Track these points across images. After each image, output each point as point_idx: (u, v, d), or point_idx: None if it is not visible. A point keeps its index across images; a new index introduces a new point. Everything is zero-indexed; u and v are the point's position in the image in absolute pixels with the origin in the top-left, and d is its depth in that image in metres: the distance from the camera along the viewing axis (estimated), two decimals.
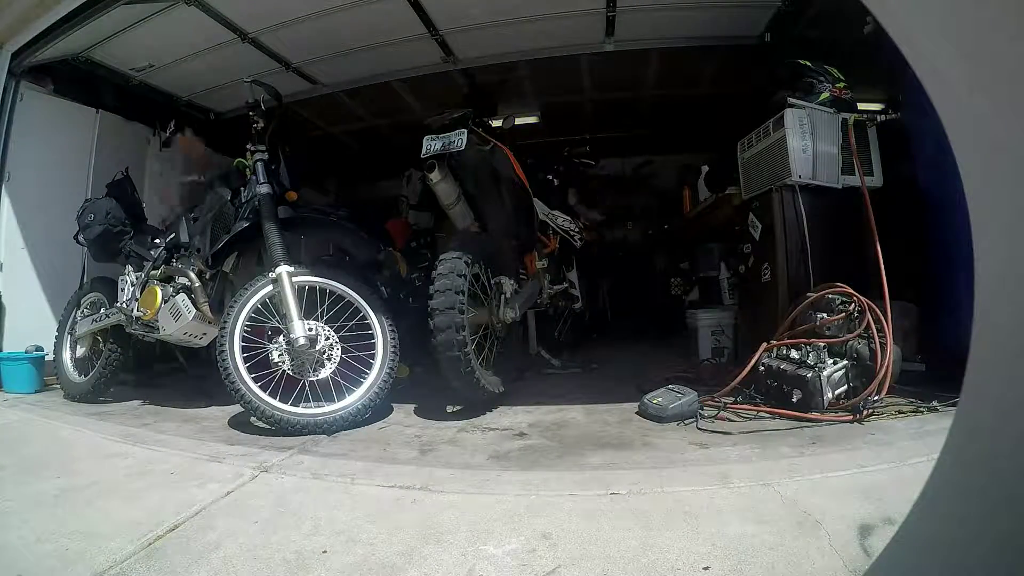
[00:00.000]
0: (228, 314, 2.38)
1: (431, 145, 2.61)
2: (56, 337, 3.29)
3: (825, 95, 2.88)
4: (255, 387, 2.26)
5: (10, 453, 2.10)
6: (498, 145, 2.92)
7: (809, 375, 2.16)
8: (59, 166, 3.74)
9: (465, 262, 2.40)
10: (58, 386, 3.23)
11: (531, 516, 1.37)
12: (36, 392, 3.26)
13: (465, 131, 2.57)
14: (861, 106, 3.03)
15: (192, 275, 2.66)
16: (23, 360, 3.27)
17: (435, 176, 2.74)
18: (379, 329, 2.48)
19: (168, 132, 3.23)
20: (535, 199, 3.30)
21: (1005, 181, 0.56)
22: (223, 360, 2.27)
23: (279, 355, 2.36)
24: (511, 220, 2.99)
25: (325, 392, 2.36)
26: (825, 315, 2.40)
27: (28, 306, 3.58)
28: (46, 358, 3.33)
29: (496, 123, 3.39)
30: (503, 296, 2.73)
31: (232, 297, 2.54)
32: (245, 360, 2.31)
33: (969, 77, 0.58)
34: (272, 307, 2.44)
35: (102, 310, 3.13)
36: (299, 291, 2.41)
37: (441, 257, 2.44)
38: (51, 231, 3.56)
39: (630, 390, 2.68)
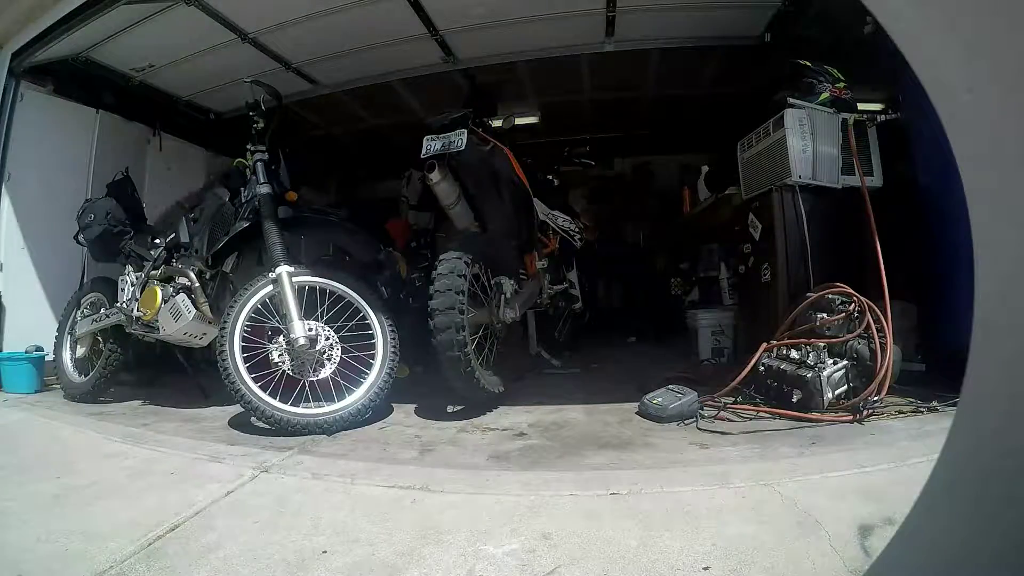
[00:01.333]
0: (228, 314, 2.38)
1: (431, 145, 2.61)
2: (56, 337, 3.29)
3: (825, 95, 2.88)
4: (255, 387, 2.25)
5: (10, 453, 2.10)
6: (498, 145, 2.91)
7: (809, 375, 2.16)
8: (59, 166, 3.73)
9: (465, 262, 2.40)
10: (58, 386, 3.23)
11: (531, 516, 1.37)
12: (36, 392, 3.26)
13: (465, 131, 2.57)
14: (861, 106, 3.03)
15: (192, 275, 2.66)
16: (23, 360, 3.27)
17: (435, 176, 2.73)
18: (379, 329, 2.48)
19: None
20: (535, 199, 3.30)
21: (1005, 180, 0.56)
22: (223, 360, 2.27)
23: (279, 355, 2.35)
24: (511, 220, 2.99)
25: (325, 392, 2.36)
26: (825, 315, 2.40)
27: (28, 306, 3.58)
28: (46, 358, 3.33)
29: (496, 123, 3.39)
30: (503, 296, 2.73)
31: (232, 297, 2.54)
32: (245, 360, 2.31)
33: (969, 76, 0.58)
34: (272, 307, 2.44)
35: (102, 310, 3.13)
36: (299, 291, 2.41)
37: (441, 257, 2.44)
38: (51, 231, 3.55)
39: (630, 390, 2.68)
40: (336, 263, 3.04)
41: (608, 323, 5.28)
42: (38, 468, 1.89)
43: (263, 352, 2.38)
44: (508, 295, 2.75)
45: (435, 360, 2.35)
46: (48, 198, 3.64)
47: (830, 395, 2.14)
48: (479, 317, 2.64)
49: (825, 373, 2.15)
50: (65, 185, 3.73)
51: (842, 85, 2.93)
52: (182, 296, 2.64)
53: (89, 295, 3.29)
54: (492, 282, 2.73)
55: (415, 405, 2.67)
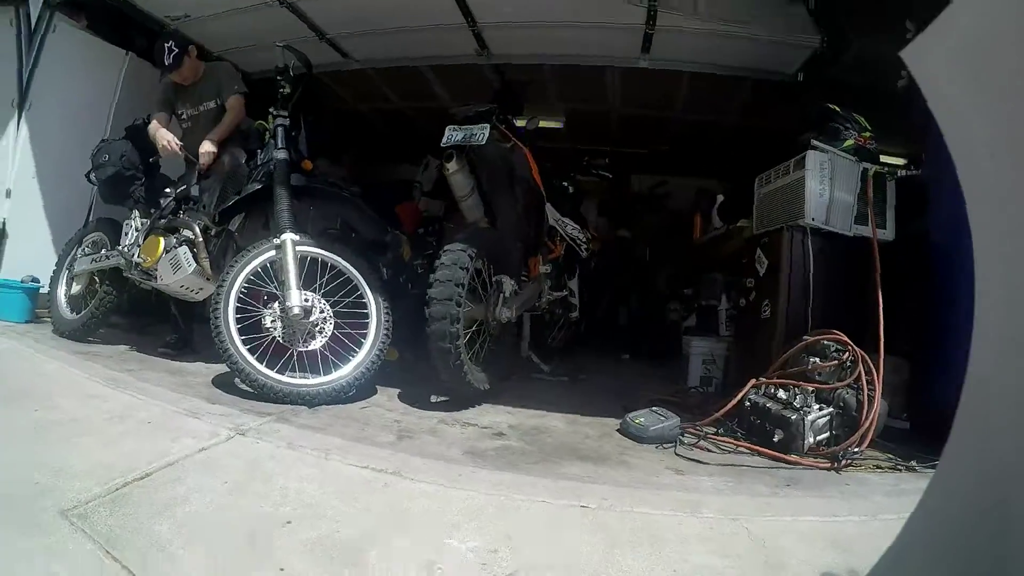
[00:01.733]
0: (227, 273, 2.38)
1: (452, 135, 2.61)
2: (54, 271, 3.29)
3: (849, 142, 2.88)
4: (243, 349, 2.25)
5: None
6: (518, 145, 2.91)
7: (793, 417, 2.16)
8: (81, 103, 3.73)
9: (469, 255, 2.40)
10: (49, 320, 3.23)
11: (499, 516, 1.37)
12: (26, 323, 3.26)
13: (488, 126, 2.57)
14: (883, 158, 3.04)
15: (196, 229, 2.66)
16: (17, 289, 3.27)
17: (452, 166, 2.74)
18: (374, 309, 2.48)
19: (169, 61, 2.97)
20: (548, 204, 3.30)
21: (1017, 249, 0.56)
22: (215, 317, 2.27)
23: (272, 321, 2.35)
24: (521, 221, 2.99)
25: (313, 364, 2.36)
26: (818, 360, 2.40)
27: (31, 236, 3.57)
28: (41, 290, 3.33)
29: (520, 122, 3.39)
30: (502, 295, 2.73)
31: (234, 257, 2.54)
32: (238, 321, 2.31)
33: (993, 143, 0.59)
34: (272, 272, 2.44)
35: (103, 251, 3.13)
36: (301, 260, 2.41)
37: (446, 247, 2.44)
38: (64, 165, 3.55)
39: (614, 406, 2.67)
40: (341, 238, 3.03)
41: (603, 336, 5.28)
42: (17, 399, 1.89)
43: (257, 316, 2.38)
44: (507, 294, 2.74)
45: (426, 348, 2.36)
46: (65, 132, 3.63)
47: (811, 440, 2.14)
48: (475, 312, 2.64)
49: (809, 417, 2.15)
50: (84, 122, 3.72)
51: (868, 135, 2.93)
52: (184, 248, 2.64)
53: (92, 234, 3.29)
54: (493, 279, 2.73)
55: (399, 390, 2.67)
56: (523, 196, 2.95)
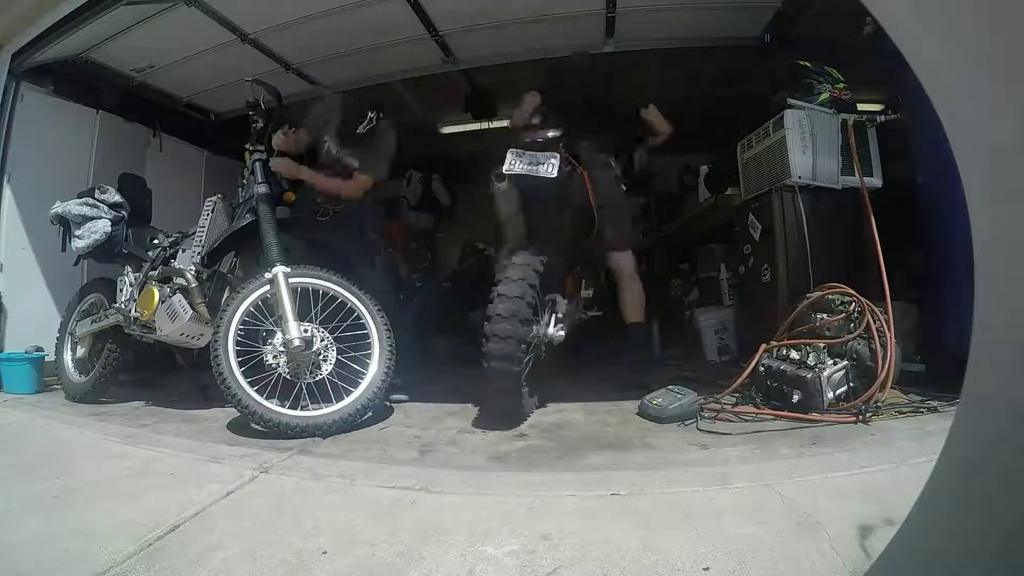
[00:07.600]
0: (221, 316, 2.35)
1: (514, 162, 2.46)
2: (57, 337, 3.28)
3: (824, 96, 2.89)
4: (249, 389, 2.22)
5: (10, 453, 2.09)
6: (577, 171, 2.67)
7: (809, 376, 2.16)
8: (60, 166, 3.73)
9: (535, 271, 2.30)
10: (59, 387, 3.22)
11: (532, 517, 1.37)
12: (36, 393, 3.26)
13: (557, 156, 2.44)
14: (860, 107, 3.04)
15: (189, 276, 2.65)
16: (23, 361, 3.27)
17: (503, 186, 2.57)
18: (375, 329, 2.46)
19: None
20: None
21: (1004, 180, 0.56)
22: (216, 362, 2.25)
23: (274, 357, 2.33)
24: (570, 244, 2.79)
25: (324, 394, 2.35)
26: (825, 316, 2.40)
27: (30, 306, 3.57)
28: (46, 359, 3.32)
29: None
30: (554, 315, 2.57)
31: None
32: (242, 363, 2.29)
33: (969, 77, 0.58)
34: (268, 308, 2.43)
35: (101, 310, 3.13)
36: (295, 292, 2.40)
37: (506, 276, 2.30)
38: (53, 231, 3.54)
39: (631, 390, 2.67)
40: (333, 264, 3.02)
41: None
42: (37, 469, 1.89)
43: (259, 354, 2.36)
44: (560, 314, 2.58)
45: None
46: (49, 198, 3.62)
47: (830, 395, 2.14)
48: (529, 332, 2.40)
49: (825, 374, 2.15)
50: (68, 186, 3.70)
51: (842, 86, 2.94)
52: (178, 296, 2.63)
53: (89, 295, 3.28)
54: (546, 298, 2.53)
55: (416, 405, 2.67)
56: (575, 219, 2.76)
